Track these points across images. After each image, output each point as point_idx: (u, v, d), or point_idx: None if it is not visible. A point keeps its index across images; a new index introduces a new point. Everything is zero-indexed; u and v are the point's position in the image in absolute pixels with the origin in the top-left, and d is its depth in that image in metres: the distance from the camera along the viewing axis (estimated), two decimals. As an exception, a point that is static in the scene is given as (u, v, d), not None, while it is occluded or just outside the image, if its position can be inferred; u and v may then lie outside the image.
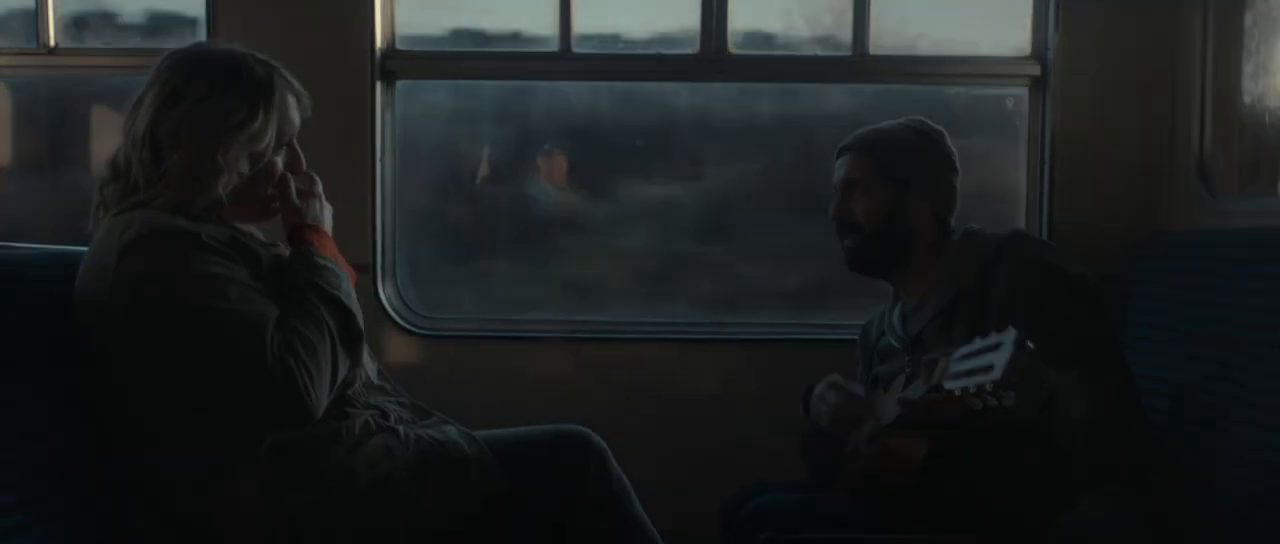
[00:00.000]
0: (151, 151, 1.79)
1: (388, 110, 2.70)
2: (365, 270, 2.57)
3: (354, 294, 1.86)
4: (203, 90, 1.80)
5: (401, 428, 1.86)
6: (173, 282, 1.68)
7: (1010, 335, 1.53)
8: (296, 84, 1.91)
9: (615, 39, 2.84)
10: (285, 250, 1.93)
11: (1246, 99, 2.45)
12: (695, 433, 2.63)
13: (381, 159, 2.66)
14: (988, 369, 1.54)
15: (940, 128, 2.17)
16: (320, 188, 1.97)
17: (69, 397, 1.76)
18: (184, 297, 1.68)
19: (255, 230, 1.95)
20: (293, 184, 1.93)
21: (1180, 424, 2.06)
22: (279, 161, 1.89)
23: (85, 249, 1.81)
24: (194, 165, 1.77)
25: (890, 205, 2.09)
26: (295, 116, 1.91)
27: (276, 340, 1.68)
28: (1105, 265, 2.39)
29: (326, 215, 1.97)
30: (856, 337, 2.34)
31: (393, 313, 2.67)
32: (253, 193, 1.88)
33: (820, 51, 2.84)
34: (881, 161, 2.11)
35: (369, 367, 1.95)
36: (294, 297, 1.78)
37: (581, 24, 2.69)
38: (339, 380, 1.79)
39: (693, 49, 2.70)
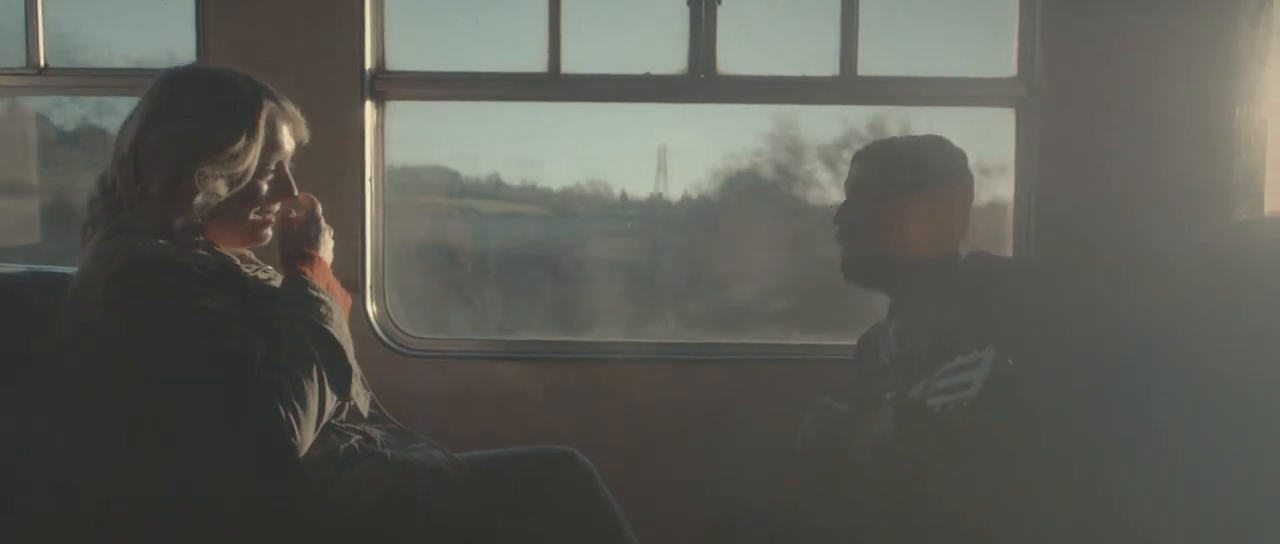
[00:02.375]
0: (134, 170, 1.79)
1: (378, 131, 2.70)
2: (354, 291, 2.57)
3: (345, 325, 1.85)
4: (185, 110, 1.80)
5: (387, 451, 1.85)
6: (158, 316, 1.68)
7: (989, 353, 1.54)
8: (290, 108, 1.90)
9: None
10: (272, 275, 1.92)
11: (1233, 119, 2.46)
12: (683, 453, 2.62)
13: (371, 180, 2.66)
14: (966, 386, 1.54)
15: (960, 148, 2.13)
16: (320, 210, 1.97)
17: (53, 416, 1.75)
18: (169, 332, 1.67)
19: (249, 251, 1.95)
20: (292, 209, 1.92)
21: (1162, 445, 2.06)
22: (264, 185, 1.88)
23: (71, 271, 1.81)
24: (169, 185, 1.77)
25: (894, 219, 2.05)
26: (286, 141, 1.90)
27: (263, 379, 1.67)
28: (1093, 286, 2.40)
29: (326, 241, 1.96)
30: (847, 355, 2.34)
31: (380, 333, 2.67)
32: (235, 216, 1.87)
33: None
34: (893, 174, 2.06)
35: (361, 399, 1.94)
36: (284, 331, 1.77)
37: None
38: (325, 417, 1.78)
39: (681, 69, 2.72)
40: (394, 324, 2.73)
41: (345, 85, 2.61)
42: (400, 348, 2.68)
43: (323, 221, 1.97)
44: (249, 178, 1.84)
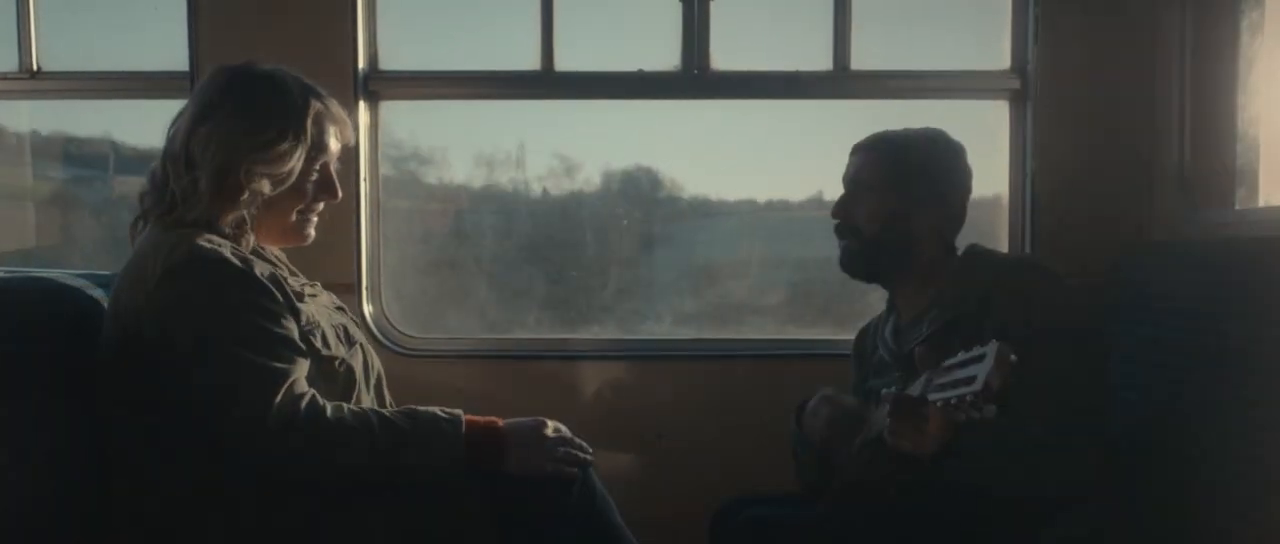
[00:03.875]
0: (185, 166, 1.81)
1: (371, 131, 2.71)
2: (350, 290, 2.57)
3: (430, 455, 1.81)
4: (234, 107, 1.82)
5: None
6: (209, 317, 1.70)
7: (992, 348, 1.53)
8: (337, 109, 1.92)
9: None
10: (317, 290, 1.94)
11: (1226, 110, 2.46)
12: (678, 448, 2.63)
13: (365, 180, 2.66)
14: (970, 381, 1.54)
15: (960, 143, 2.11)
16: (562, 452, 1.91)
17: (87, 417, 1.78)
18: (216, 333, 1.69)
19: (283, 254, 1.96)
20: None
21: (1163, 433, 2.05)
22: (309, 185, 1.90)
23: (108, 273, 1.82)
24: (216, 180, 1.79)
25: (893, 213, 2.03)
26: (332, 142, 1.92)
27: (298, 393, 1.69)
28: (1088, 277, 2.40)
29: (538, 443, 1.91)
30: (840, 351, 2.34)
31: (377, 332, 2.67)
32: (280, 214, 1.89)
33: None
34: (892, 167, 2.05)
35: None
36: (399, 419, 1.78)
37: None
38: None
39: (674, 66, 2.72)
40: (390, 323, 2.73)
41: (338, 86, 2.59)
42: (396, 347, 2.69)
43: (551, 445, 1.91)
44: (294, 177, 1.86)
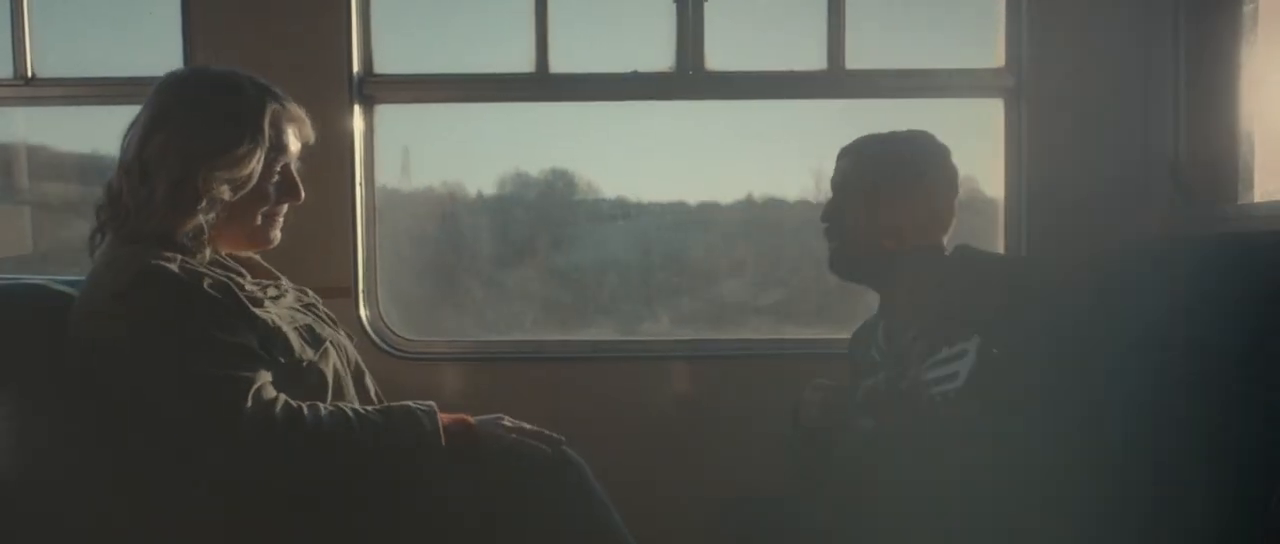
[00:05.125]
0: (139, 176, 1.78)
1: (366, 135, 2.71)
2: (346, 294, 2.57)
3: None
4: (188, 113, 1.78)
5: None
6: (163, 334, 1.67)
7: (974, 343, 1.54)
8: (295, 109, 1.89)
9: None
10: (282, 290, 1.92)
11: (1222, 105, 2.46)
12: (675, 449, 2.63)
13: (360, 183, 2.66)
14: (953, 377, 1.54)
15: (944, 145, 2.13)
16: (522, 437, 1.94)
17: (66, 421, 1.77)
18: (171, 350, 1.67)
19: (257, 255, 1.95)
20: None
21: (1158, 430, 2.05)
22: (270, 188, 1.88)
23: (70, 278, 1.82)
24: (174, 189, 1.76)
25: (880, 218, 2.06)
26: (292, 142, 1.89)
27: (267, 400, 1.67)
28: (1083, 274, 2.40)
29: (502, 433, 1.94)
30: (836, 350, 2.34)
31: (373, 335, 2.67)
32: (243, 218, 1.86)
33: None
34: (878, 172, 2.07)
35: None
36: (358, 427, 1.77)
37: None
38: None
39: (669, 67, 2.72)
40: (387, 326, 2.73)
41: (333, 90, 2.61)
42: (393, 350, 2.69)
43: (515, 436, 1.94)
44: (254, 181, 1.83)
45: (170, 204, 1.77)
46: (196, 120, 1.78)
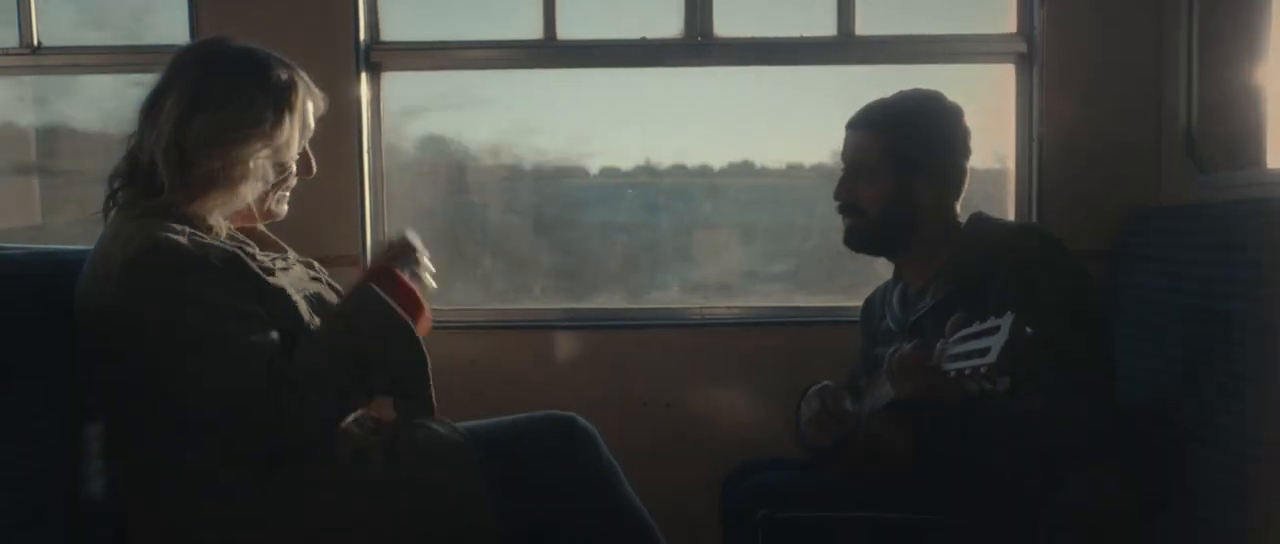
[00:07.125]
0: (179, 157, 1.75)
1: (373, 103, 2.70)
2: (354, 263, 2.57)
3: (404, 350, 1.78)
4: (227, 93, 1.75)
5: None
6: (174, 305, 1.66)
7: (1007, 319, 1.53)
8: (314, 86, 1.88)
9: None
10: (289, 262, 1.91)
11: (1235, 72, 2.44)
12: (685, 417, 2.64)
13: (367, 152, 2.65)
14: (984, 352, 1.54)
15: (956, 104, 2.07)
16: (417, 244, 1.92)
17: (68, 398, 1.76)
18: (184, 321, 1.66)
19: (263, 227, 1.94)
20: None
21: (1172, 398, 2.05)
22: (294, 167, 1.88)
23: (81, 249, 1.80)
24: (224, 173, 1.75)
25: (895, 190, 2.02)
26: (312, 119, 1.88)
27: (275, 370, 1.67)
28: (1095, 241, 2.39)
29: (422, 273, 1.91)
30: (846, 318, 2.34)
31: (383, 305, 2.67)
32: (264, 197, 1.86)
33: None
34: (890, 144, 2.02)
35: None
36: (325, 330, 1.76)
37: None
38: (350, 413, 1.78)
39: (678, 33, 2.70)
40: (395, 296, 2.72)
41: (339, 57, 2.60)
42: (402, 319, 2.68)
43: (422, 256, 1.93)
44: (291, 160, 1.84)
45: (215, 187, 1.75)
46: (241, 103, 1.75)
